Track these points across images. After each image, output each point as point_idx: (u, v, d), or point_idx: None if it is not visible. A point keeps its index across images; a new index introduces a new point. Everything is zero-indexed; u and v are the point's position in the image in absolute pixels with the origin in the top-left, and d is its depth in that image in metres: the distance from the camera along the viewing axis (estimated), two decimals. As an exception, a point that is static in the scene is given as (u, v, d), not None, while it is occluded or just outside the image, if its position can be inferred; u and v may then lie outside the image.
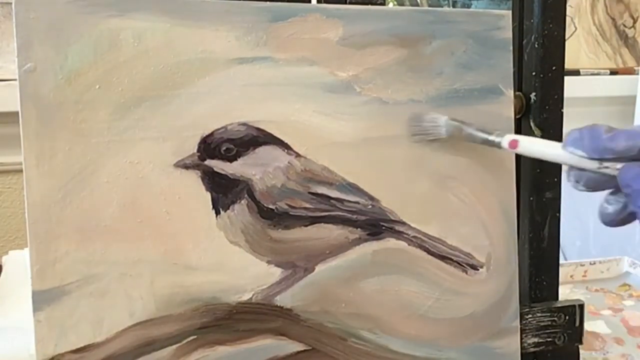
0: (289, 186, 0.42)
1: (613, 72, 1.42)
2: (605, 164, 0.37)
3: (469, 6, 1.36)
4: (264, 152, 0.42)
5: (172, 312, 0.40)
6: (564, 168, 0.40)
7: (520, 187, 0.50)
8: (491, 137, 0.43)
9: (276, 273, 0.42)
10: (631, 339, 0.70)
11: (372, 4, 0.47)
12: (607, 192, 0.39)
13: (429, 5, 1.32)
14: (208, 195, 0.41)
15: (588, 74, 1.38)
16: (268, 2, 0.43)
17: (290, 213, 0.43)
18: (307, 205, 0.43)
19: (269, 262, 0.42)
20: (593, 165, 0.37)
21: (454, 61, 0.47)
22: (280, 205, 0.42)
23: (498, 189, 0.48)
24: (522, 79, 0.53)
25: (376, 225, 0.45)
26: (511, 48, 0.48)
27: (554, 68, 0.52)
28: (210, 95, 0.41)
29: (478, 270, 0.48)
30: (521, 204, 0.52)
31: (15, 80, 0.37)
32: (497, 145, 0.43)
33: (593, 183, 0.38)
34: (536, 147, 0.41)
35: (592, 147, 0.37)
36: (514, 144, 0.42)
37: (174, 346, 0.40)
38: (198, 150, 0.41)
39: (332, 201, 0.43)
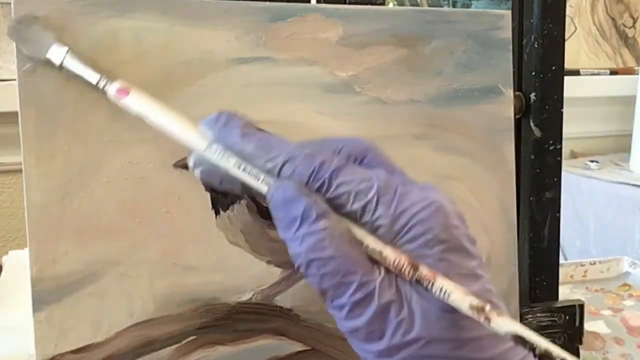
0: (288, 186, 0.42)
1: (613, 72, 1.42)
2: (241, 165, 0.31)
3: (468, 6, 1.36)
4: (264, 152, 0.42)
5: (171, 312, 0.40)
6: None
7: (520, 187, 0.50)
8: (97, 81, 0.36)
9: (276, 273, 0.42)
10: (631, 339, 0.70)
11: (372, 4, 0.47)
12: None
13: (429, 5, 1.32)
14: (208, 195, 0.41)
15: (588, 74, 1.38)
16: (268, 2, 0.43)
17: (290, 213, 0.42)
18: (307, 205, 0.43)
19: (268, 262, 0.42)
20: (211, 156, 0.32)
21: (453, 61, 0.47)
22: (280, 205, 0.42)
23: (498, 189, 0.48)
24: (522, 79, 0.53)
25: (376, 225, 0.45)
26: (511, 48, 0.48)
27: (553, 68, 0.52)
28: (210, 95, 0.41)
29: (478, 270, 0.47)
30: (521, 204, 0.52)
31: (15, 80, 0.37)
32: (103, 92, 0.35)
33: (212, 177, 0.33)
34: (149, 108, 0.34)
35: (220, 135, 0.32)
36: (122, 93, 0.35)
37: (174, 346, 0.40)
38: (198, 150, 0.41)
39: (332, 201, 0.43)
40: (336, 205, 0.30)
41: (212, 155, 0.32)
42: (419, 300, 0.29)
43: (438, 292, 0.29)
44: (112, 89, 0.35)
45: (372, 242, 0.30)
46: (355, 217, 0.30)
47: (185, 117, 0.34)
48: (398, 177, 0.32)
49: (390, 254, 0.29)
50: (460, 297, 0.29)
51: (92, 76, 0.36)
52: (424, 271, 0.29)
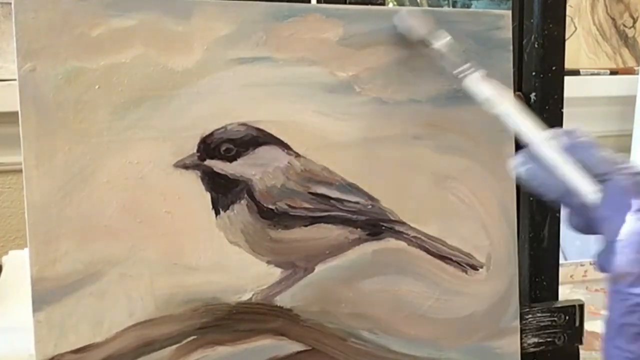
0: (288, 186, 0.42)
1: (613, 72, 1.41)
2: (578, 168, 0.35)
3: (469, 6, 1.36)
4: (264, 152, 0.42)
5: (172, 312, 0.40)
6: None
7: (520, 187, 0.50)
8: (456, 70, 0.42)
9: (276, 273, 0.42)
10: (631, 339, 0.70)
11: (372, 4, 0.47)
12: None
13: (429, 5, 1.32)
14: (208, 195, 0.41)
15: (588, 74, 1.38)
16: (268, 2, 0.43)
17: (290, 213, 0.43)
18: (307, 205, 0.43)
19: (268, 262, 0.42)
20: (549, 150, 0.35)
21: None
22: (280, 205, 0.42)
23: (498, 189, 0.48)
24: (522, 79, 0.53)
25: (376, 225, 0.45)
26: (511, 48, 0.48)
27: (554, 68, 0.52)
28: (210, 95, 0.41)
29: (478, 270, 0.47)
30: (521, 204, 0.52)
31: (15, 80, 0.37)
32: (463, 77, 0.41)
33: (535, 178, 0.36)
34: (511, 109, 0.39)
35: (571, 141, 0.35)
36: (483, 79, 0.40)
37: (174, 346, 0.40)
38: (198, 150, 0.41)
39: (331, 201, 0.43)
40: None
41: (552, 151, 0.35)
42: None
43: None
44: (472, 77, 0.41)
45: None
46: None
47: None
48: None
49: None
50: None
51: (457, 63, 0.42)
52: None
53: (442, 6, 1.35)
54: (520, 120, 0.38)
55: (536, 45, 0.52)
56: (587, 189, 0.34)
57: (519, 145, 0.50)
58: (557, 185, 0.35)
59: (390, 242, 0.45)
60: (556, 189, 0.35)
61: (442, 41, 0.43)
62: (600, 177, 0.34)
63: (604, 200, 0.33)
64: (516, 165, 0.37)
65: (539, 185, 0.36)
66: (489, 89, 0.40)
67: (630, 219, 0.31)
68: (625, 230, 0.31)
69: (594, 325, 0.72)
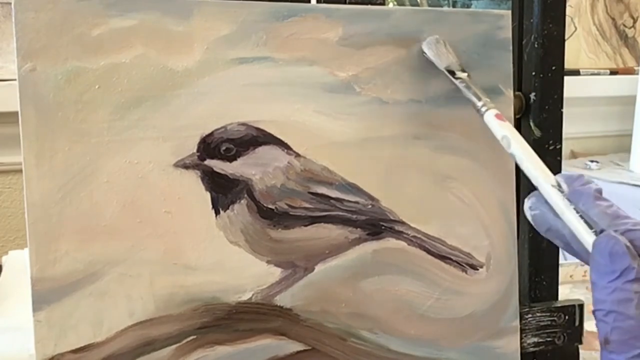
0: (288, 186, 0.42)
1: (613, 72, 1.42)
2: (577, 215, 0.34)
3: (469, 6, 1.36)
4: (264, 152, 0.42)
5: (171, 312, 0.40)
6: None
7: (520, 187, 0.50)
8: (479, 103, 0.42)
9: (276, 273, 0.42)
10: (631, 338, 0.70)
11: (372, 4, 0.47)
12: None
13: (429, 5, 1.32)
14: (208, 195, 0.41)
15: (588, 74, 1.38)
16: (268, 2, 0.43)
17: (290, 213, 0.43)
18: (307, 205, 0.43)
19: (268, 262, 0.42)
20: (556, 197, 0.35)
21: (453, 61, 0.47)
22: (280, 205, 0.42)
23: (498, 189, 0.48)
24: (522, 79, 0.53)
25: (376, 225, 0.45)
26: (511, 48, 0.48)
27: (553, 68, 0.52)
28: (210, 95, 0.41)
29: (478, 270, 0.47)
30: (521, 204, 0.52)
31: (15, 80, 0.37)
32: (481, 113, 0.42)
33: (543, 223, 0.36)
34: (522, 151, 0.39)
35: (574, 189, 0.35)
36: (498, 117, 0.41)
37: (174, 346, 0.40)
38: (198, 150, 0.41)
39: (332, 201, 0.43)
40: None
41: (557, 198, 0.35)
42: None
43: None
44: (490, 113, 0.41)
45: None
46: None
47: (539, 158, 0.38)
48: None
49: None
50: None
51: (477, 99, 0.43)
52: None
53: (442, 6, 1.35)
54: (531, 164, 0.38)
55: (536, 45, 0.52)
56: (588, 241, 0.33)
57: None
58: (563, 232, 0.35)
59: (390, 242, 0.45)
60: (562, 237, 0.35)
61: (465, 74, 0.44)
62: (597, 232, 0.33)
63: (591, 263, 0.32)
64: (526, 209, 0.37)
65: (547, 231, 0.36)
66: (503, 129, 0.40)
67: (613, 286, 0.31)
68: (609, 298, 0.31)
69: (593, 325, 0.72)
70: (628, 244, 0.31)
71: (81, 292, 0.38)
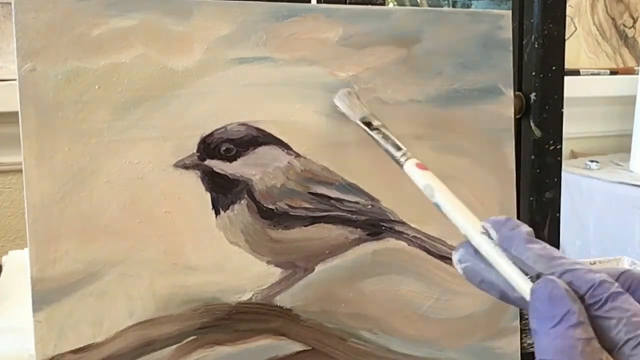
0: (288, 186, 0.42)
1: (613, 72, 1.42)
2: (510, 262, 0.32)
3: (469, 6, 1.36)
4: (264, 152, 0.42)
5: (171, 312, 0.40)
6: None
7: (520, 187, 0.50)
8: (397, 153, 0.40)
9: (276, 273, 0.42)
10: (631, 339, 0.70)
11: (372, 4, 0.47)
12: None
13: (429, 5, 1.32)
14: (208, 196, 0.41)
15: (588, 74, 1.38)
16: (268, 2, 0.43)
17: (290, 213, 0.43)
18: (307, 205, 0.43)
19: (268, 262, 0.42)
20: (487, 247, 0.32)
21: (453, 61, 0.47)
22: (280, 205, 0.42)
23: (498, 189, 0.48)
24: (522, 79, 0.53)
25: (376, 225, 0.45)
26: (511, 48, 0.48)
27: (554, 68, 0.52)
28: (210, 95, 0.41)
29: (478, 270, 0.47)
30: (521, 204, 0.52)
31: (15, 80, 0.37)
32: (400, 164, 0.39)
33: (475, 275, 0.33)
34: (446, 200, 0.37)
35: (504, 236, 0.32)
36: (420, 166, 0.38)
37: (174, 346, 0.40)
38: (198, 151, 0.41)
39: (332, 201, 0.43)
40: (599, 326, 0.30)
41: (488, 247, 0.33)
42: None
43: None
44: (410, 163, 0.39)
45: None
46: (613, 345, 0.29)
47: (468, 208, 0.35)
48: None
49: None
50: None
51: (395, 149, 0.40)
52: None
53: (442, 6, 1.35)
54: (456, 212, 0.35)
55: (536, 45, 0.52)
56: (525, 289, 0.31)
57: (518, 146, 0.50)
58: (497, 282, 0.33)
59: (390, 242, 0.45)
60: (497, 287, 0.33)
61: (379, 123, 0.41)
62: (534, 278, 0.31)
63: (530, 311, 0.31)
64: (455, 262, 0.34)
65: (480, 282, 0.33)
66: (426, 178, 0.38)
67: (554, 333, 0.29)
68: (551, 346, 0.29)
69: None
70: (566, 287, 0.30)
71: (81, 292, 0.38)
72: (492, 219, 0.34)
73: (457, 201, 0.36)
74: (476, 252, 0.33)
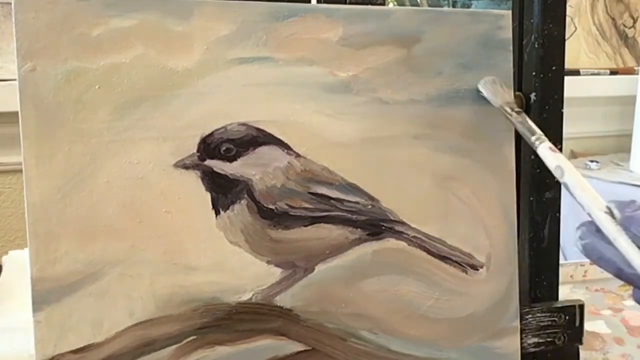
0: (288, 186, 0.42)
1: (613, 72, 1.42)
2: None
3: (469, 6, 1.36)
4: (264, 152, 0.42)
5: (171, 312, 0.40)
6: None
7: (520, 187, 0.50)
8: (532, 137, 0.43)
9: (276, 273, 0.42)
10: (631, 339, 0.70)
11: (372, 4, 0.47)
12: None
13: (429, 5, 1.32)
14: (208, 196, 0.41)
15: (588, 74, 1.38)
16: (268, 2, 0.43)
17: (290, 213, 0.43)
18: (307, 205, 0.43)
19: (268, 262, 0.42)
20: (609, 225, 0.35)
21: (454, 61, 0.47)
22: (280, 205, 0.42)
23: (498, 189, 0.48)
24: (522, 79, 0.53)
25: (376, 225, 0.45)
26: (511, 48, 0.48)
27: (554, 68, 0.52)
28: (210, 95, 0.41)
29: (478, 270, 0.47)
30: (521, 204, 0.52)
31: (15, 80, 0.37)
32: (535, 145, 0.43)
33: (594, 251, 0.36)
34: (574, 180, 0.39)
35: (626, 216, 0.35)
36: (552, 150, 0.42)
37: (174, 346, 0.40)
38: (198, 151, 0.41)
39: (332, 201, 0.43)
40: None
41: (609, 225, 0.35)
42: None
43: None
44: (543, 146, 0.42)
45: None
46: None
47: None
48: None
49: None
50: None
51: (530, 134, 0.44)
52: None
53: (442, 6, 1.35)
54: (582, 192, 0.38)
55: (536, 45, 0.52)
56: None
57: (518, 146, 0.50)
58: (615, 259, 0.35)
59: (390, 242, 0.45)
60: (613, 264, 0.35)
61: (520, 110, 0.45)
62: None
63: None
64: (576, 239, 0.37)
65: (598, 260, 0.36)
66: (557, 160, 0.41)
67: None
68: None
69: (594, 325, 0.72)
70: None
71: (81, 292, 0.38)
72: (616, 200, 0.36)
73: (584, 182, 0.39)
74: (597, 230, 0.36)
